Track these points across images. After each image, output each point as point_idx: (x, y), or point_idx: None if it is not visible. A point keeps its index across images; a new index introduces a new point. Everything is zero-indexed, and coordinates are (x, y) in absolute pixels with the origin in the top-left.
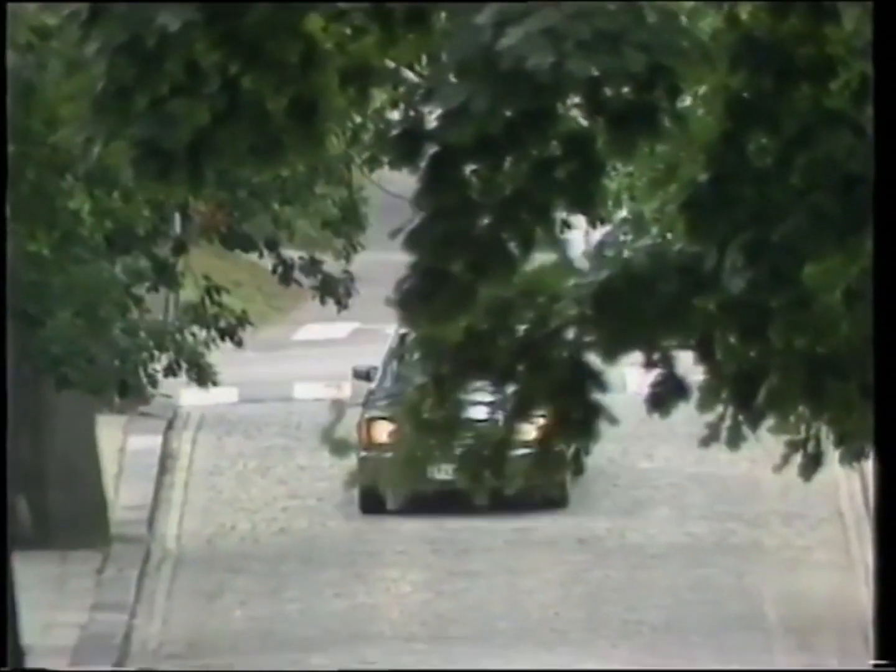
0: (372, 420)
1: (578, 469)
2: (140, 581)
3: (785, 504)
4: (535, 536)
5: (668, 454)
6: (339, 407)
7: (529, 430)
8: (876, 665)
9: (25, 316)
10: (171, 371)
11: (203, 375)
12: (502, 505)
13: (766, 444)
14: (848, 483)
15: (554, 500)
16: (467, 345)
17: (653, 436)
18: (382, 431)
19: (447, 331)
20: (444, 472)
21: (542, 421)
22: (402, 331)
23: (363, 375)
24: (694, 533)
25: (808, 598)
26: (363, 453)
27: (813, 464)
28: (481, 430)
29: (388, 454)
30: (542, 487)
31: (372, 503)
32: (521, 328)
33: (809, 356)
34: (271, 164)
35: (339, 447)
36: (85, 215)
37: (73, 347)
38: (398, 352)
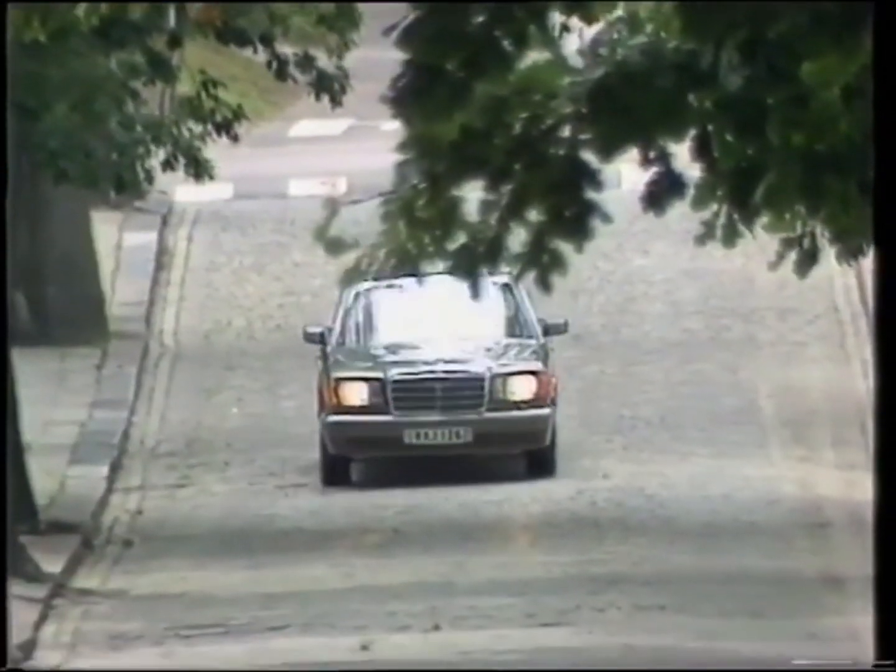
0: (340, 381)
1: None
2: (139, 378)
3: (780, 299)
4: None
5: (662, 250)
6: (333, 204)
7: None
8: (876, 665)
9: (23, 109)
10: (168, 165)
11: (200, 169)
12: (480, 475)
13: (760, 239)
14: (843, 278)
15: (538, 468)
16: (462, 142)
17: (647, 232)
18: (353, 393)
19: (442, 128)
20: (420, 437)
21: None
22: (355, 290)
23: (316, 339)
24: (688, 328)
25: (804, 392)
26: (331, 418)
27: (808, 260)
28: (475, 228)
29: (360, 418)
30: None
31: (337, 475)
32: (517, 126)
33: (807, 153)
34: None
35: (333, 245)
36: None
37: (70, 141)
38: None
